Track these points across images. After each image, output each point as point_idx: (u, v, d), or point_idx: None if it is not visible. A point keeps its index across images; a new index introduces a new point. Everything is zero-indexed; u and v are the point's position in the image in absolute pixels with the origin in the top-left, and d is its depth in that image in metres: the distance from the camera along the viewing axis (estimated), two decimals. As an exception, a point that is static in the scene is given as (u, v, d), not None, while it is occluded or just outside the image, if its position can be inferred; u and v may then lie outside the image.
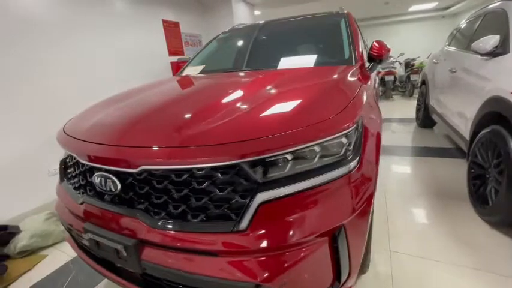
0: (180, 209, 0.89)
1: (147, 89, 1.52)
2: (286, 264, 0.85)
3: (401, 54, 7.51)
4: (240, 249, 0.84)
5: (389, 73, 6.99)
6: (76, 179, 1.18)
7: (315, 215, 0.87)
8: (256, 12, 5.79)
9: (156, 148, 0.89)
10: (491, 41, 2.00)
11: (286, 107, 1.02)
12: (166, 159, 0.86)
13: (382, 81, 7.21)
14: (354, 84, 1.28)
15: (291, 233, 0.84)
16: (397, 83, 7.36)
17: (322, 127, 0.91)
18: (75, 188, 1.18)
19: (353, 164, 0.94)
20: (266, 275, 0.83)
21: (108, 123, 1.14)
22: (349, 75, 1.41)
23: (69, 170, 1.27)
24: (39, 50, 2.46)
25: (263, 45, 2.10)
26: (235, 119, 0.95)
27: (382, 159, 3.01)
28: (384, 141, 3.65)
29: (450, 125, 2.77)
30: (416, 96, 4.62)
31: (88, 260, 1.21)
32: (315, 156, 0.91)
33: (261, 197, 0.84)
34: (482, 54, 2.12)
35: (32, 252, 1.88)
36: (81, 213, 1.09)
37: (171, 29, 3.53)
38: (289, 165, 0.88)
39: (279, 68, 1.78)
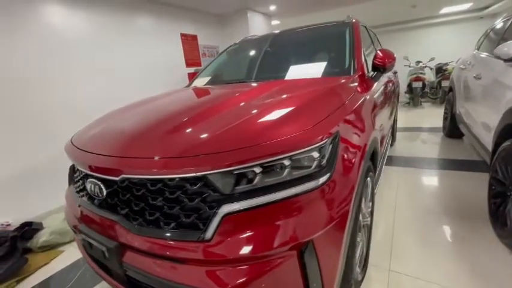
0: (154, 216, 0.95)
1: (147, 102, 1.63)
2: (249, 277, 0.85)
3: (432, 59, 7.07)
4: (204, 259, 0.86)
5: (418, 79, 6.61)
6: (77, 184, 1.30)
7: (280, 229, 0.87)
8: (275, 22, 5.87)
9: (134, 158, 0.96)
10: (514, 45, 1.83)
11: (261, 119, 1.03)
12: (141, 169, 0.93)
13: (409, 88, 6.84)
14: (341, 96, 1.26)
15: (254, 245, 0.84)
16: (427, 89, 6.91)
17: (292, 140, 0.91)
18: (77, 192, 1.30)
19: (323, 178, 0.92)
20: (229, 286, 0.85)
21: (102, 134, 1.25)
22: (340, 86, 1.39)
23: (75, 175, 1.41)
24: (81, 59, 2.78)
25: (266, 57, 2.13)
26: (208, 132, 0.99)
27: (400, 172, 2.86)
28: (405, 152, 3.46)
29: (475, 135, 2.55)
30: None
31: (87, 259, 1.32)
32: (285, 170, 0.91)
33: (226, 208, 0.86)
34: (505, 60, 1.94)
35: (51, 248, 2.08)
36: (78, 215, 1.20)
37: (189, 42, 3.74)
38: (258, 178, 0.89)
39: (276, 79, 1.79)
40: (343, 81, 1.46)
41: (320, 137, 0.94)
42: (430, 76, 7.21)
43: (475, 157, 3.04)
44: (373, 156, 1.52)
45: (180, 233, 0.91)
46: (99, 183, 1.06)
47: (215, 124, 1.04)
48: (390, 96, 2.42)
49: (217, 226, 0.86)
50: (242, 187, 0.89)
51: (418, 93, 6.63)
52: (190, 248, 0.88)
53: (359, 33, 1.97)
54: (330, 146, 0.98)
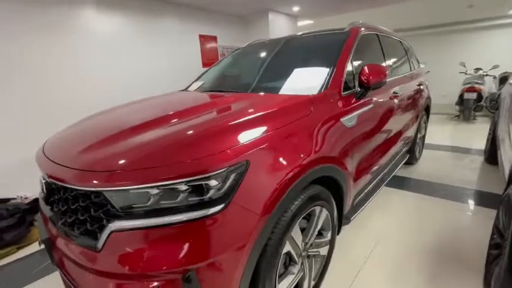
0: (71, 219, 1.03)
1: (115, 109, 1.69)
2: (129, 293, 0.89)
3: (495, 67, 6.00)
4: (92, 267, 0.92)
5: (471, 89, 5.70)
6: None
7: (163, 252, 0.88)
8: (308, 22, 5.64)
9: (57, 164, 1.06)
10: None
11: (173, 140, 1.03)
12: (56, 175, 1.03)
13: (461, 99, 5.95)
14: (277, 119, 1.18)
15: (135, 263, 0.87)
16: (484, 102, 5.92)
17: (190, 166, 0.90)
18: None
19: (215, 209, 0.89)
20: None
21: (57, 137, 1.38)
22: (289, 106, 1.30)
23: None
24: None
25: (248, 66, 2.10)
26: (120, 148, 1.03)
27: (408, 198, 2.56)
28: (424, 175, 3.06)
29: (500, 166, 2.14)
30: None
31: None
32: (180, 194, 0.91)
33: (116, 224, 0.90)
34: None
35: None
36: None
37: (208, 43, 3.86)
38: (152, 199, 0.91)
39: (243, 92, 1.73)
40: (299, 100, 1.37)
41: (220, 166, 0.91)
42: (490, 86, 6.15)
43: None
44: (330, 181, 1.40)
45: (84, 239, 0.98)
46: (43, 180, 1.20)
47: (133, 141, 1.08)
48: (392, 113, 2.16)
49: (106, 239, 0.90)
50: (137, 206, 0.92)
51: (470, 106, 5.73)
52: (87, 254, 0.95)
53: (351, 45, 1.80)
54: (233, 175, 0.94)
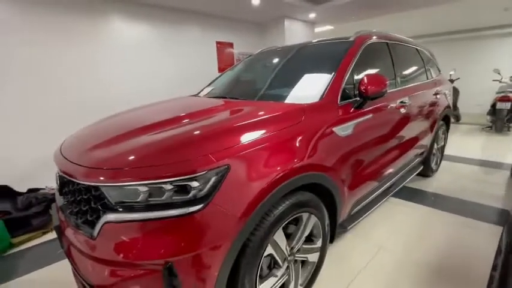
0: (76, 209, 1.18)
1: (125, 113, 1.84)
2: (117, 277, 1.00)
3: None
4: (88, 252, 1.05)
5: (505, 99, 5.28)
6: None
7: (146, 244, 0.98)
8: (328, 27, 5.60)
9: (67, 161, 1.21)
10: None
11: (163, 142, 1.13)
12: (64, 169, 1.18)
13: (493, 109, 5.54)
14: (265, 126, 1.24)
15: (124, 253, 0.98)
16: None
17: (173, 167, 1.00)
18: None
19: (194, 208, 0.98)
20: (100, 280, 1.02)
21: (72, 137, 1.55)
22: (280, 115, 1.35)
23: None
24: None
25: (255, 73, 2.18)
26: (119, 149, 1.16)
27: (418, 210, 2.47)
28: (440, 189, 2.91)
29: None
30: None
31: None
32: (165, 193, 1.00)
33: (108, 216, 1.02)
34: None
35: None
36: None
37: (224, 49, 4.02)
38: (142, 195, 1.01)
39: (247, 99, 1.81)
40: (291, 108, 1.42)
41: (201, 168, 1.00)
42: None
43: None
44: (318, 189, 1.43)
45: (84, 227, 1.11)
46: (57, 174, 1.37)
47: (130, 143, 1.20)
48: (397, 123, 2.11)
49: (100, 229, 1.02)
50: (128, 201, 1.03)
51: (503, 117, 5.31)
52: (86, 241, 1.08)
53: (353, 54, 1.81)
54: (213, 178, 1.02)
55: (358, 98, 1.69)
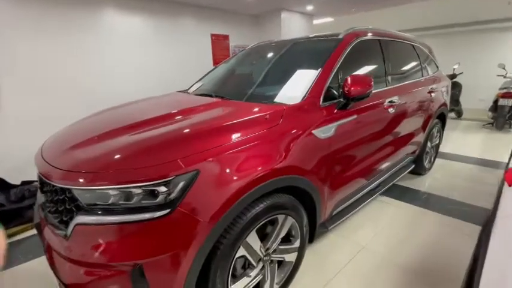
0: (53, 208, 1.20)
1: (105, 112, 1.85)
2: (89, 279, 1.03)
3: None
4: (63, 252, 1.08)
5: (507, 95, 5.16)
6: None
7: (114, 246, 1.00)
8: (327, 20, 5.46)
9: (44, 160, 1.23)
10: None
11: (135, 146, 1.14)
12: (41, 169, 1.20)
13: (495, 105, 5.43)
14: (232, 131, 1.23)
15: (93, 254, 1.01)
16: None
17: (141, 172, 1.01)
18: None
19: (160, 213, 0.99)
20: (72, 280, 1.05)
21: (52, 138, 1.56)
22: (248, 118, 1.34)
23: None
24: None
25: (241, 70, 2.15)
26: (91, 152, 1.17)
27: (407, 210, 2.47)
28: (432, 188, 2.91)
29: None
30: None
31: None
32: (134, 197, 1.02)
33: (79, 218, 1.04)
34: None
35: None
36: None
37: (220, 41, 3.97)
38: (112, 199, 1.03)
39: (231, 99, 1.76)
40: (269, 110, 1.40)
41: (169, 174, 1.01)
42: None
43: None
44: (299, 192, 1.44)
45: (60, 226, 1.13)
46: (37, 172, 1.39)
47: (102, 145, 1.21)
48: (384, 123, 2.09)
49: (72, 230, 1.05)
50: (100, 204, 1.04)
51: (504, 114, 5.20)
52: (60, 241, 1.10)
53: (339, 53, 1.78)
54: (181, 183, 1.02)
55: (341, 99, 1.66)
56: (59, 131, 1.64)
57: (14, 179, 2.68)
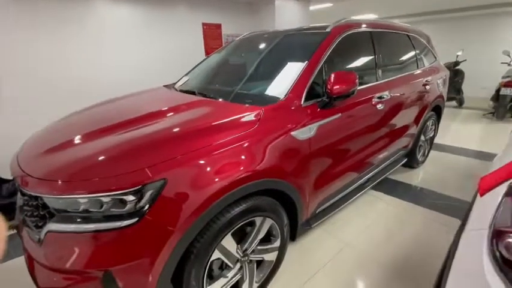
0: (29, 213, 1.21)
1: (93, 108, 1.83)
2: (61, 284, 1.05)
3: (547, 58, 5.17)
4: (36, 257, 1.09)
5: (510, 84, 5.02)
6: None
7: (86, 254, 1.01)
8: (326, 5, 5.25)
9: (17, 165, 1.23)
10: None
11: (103, 154, 1.13)
12: (14, 174, 1.20)
13: (497, 94, 5.30)
14: (205, 136, 1.21)
15: (63, 261, 1.02)
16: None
17: (108, 182, 1.00)
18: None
19: (127, 222, 0.99)
20: (46, 284, 1.07)
21: (29, 141, 1.54)
22: (224, 121, 1.32)
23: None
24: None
25: (224, 66, 2.09)
26: (62, 158, 1.16)
27: (396, 206, 2.47)
28: (424, 182, 2.88)
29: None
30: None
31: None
32: (103, 206, 1.02)
33: (50, 226, 1.04)
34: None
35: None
36: None
37: (212, 31, 3.84)
38: (82, 207, 1.03)
39: (212, 98, 1.71)
40: (246, 112, 1.37)
41: (136, 183, 1.00)
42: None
43: None
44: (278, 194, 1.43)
45: (34, 231, 1.14)
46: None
47: (72, 152, 1.21)
48: (372, 120, 2.04)
49: (44, 236, 1.06)
50: (71, 211, 1.05)
51: (506, 103, 5.08)
52: (34, 245, 1.11)
53: (324, 48, 1.71)
54: (149, 192, 1.02)
55: (324, 98, 1.62)
56: (37, 133, 1.62)
57: (7, 174, 2.71)
